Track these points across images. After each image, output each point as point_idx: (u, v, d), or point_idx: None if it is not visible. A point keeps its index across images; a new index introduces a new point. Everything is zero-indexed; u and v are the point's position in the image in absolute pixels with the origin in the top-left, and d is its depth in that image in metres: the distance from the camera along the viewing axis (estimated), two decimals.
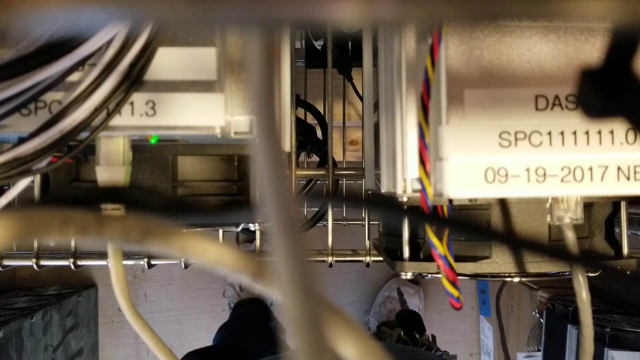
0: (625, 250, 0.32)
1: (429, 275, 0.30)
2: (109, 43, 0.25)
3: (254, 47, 0.11)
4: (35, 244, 0.41)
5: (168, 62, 0.27)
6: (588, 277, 0.27)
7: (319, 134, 0.66)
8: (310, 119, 0.68)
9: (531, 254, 0.29)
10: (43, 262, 0.41)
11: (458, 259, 0.28)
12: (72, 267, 0.41)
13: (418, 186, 0.27)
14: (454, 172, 0.26)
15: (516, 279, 0.30)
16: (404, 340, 0.91)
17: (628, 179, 0.26)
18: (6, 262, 0.41)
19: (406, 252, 0.30)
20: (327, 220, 0.44)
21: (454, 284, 0.27)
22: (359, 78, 0.71)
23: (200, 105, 0.27)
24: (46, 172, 0.32)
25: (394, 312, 1.08)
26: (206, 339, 1.01)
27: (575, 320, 0.73)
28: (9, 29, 0.25)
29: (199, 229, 0.33)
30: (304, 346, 0.11)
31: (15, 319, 0.82)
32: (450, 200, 0.27)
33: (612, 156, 0.26)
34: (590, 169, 0.26)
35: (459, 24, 0.26)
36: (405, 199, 0.29)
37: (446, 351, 0.91)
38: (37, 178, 0.33)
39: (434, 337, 0.99)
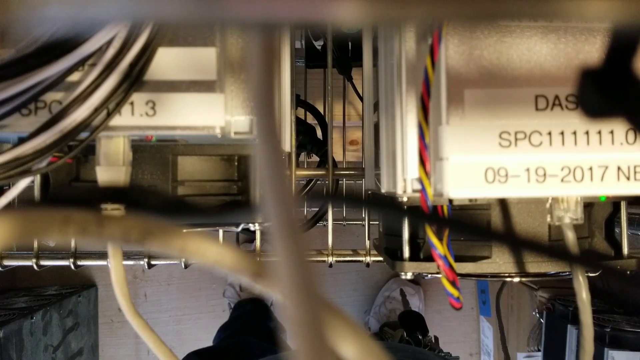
0: (625, 250, 0.32)
1: (429, 275, 0.30)
2: (109, 43, 0.25)
3: (254, 47, 0.11)
4: (35, 244, 0.41)
5: (168, 62, 0.27)
6: (588, 277, 0.27)
7: (319, 134, 0.66)
8: (310, 119, 0.68)
9: (531, 254, 0.29)
10: (43, 262, 0.41)
11: (458, 259, 0.28)
12: (72, 267, 0.41)
13: (418, 186, 0.27)
14: (454, 172, 0.26)
15: (516, 279, 0.30)
16: (406, 341, 0.91)
17: (628, 179, 0.26)
18: (6, 262, 0.41)
19: (406, 252, 0.30)
20: (327, 220, 0.44)
21: (454, 284, 0.27)
22: (359, 78, 0.71)
23: (200, 105, 0.27)
24: (46, 172, 0.32)
25: (395, 312, 1.08)
26: (206, 339, 1.01)
27: (575, 320, 0.73)
28: (9, 29, 0.25)
29: (199, 229, 0.33)
30: (304, 346, 0.11)
31: (15, 319, 0.82)
32: (450, 200, 0.27)
33: (612, 156, 0.26)
34: (590, 169, 0.26)
35: (459, 24, 0.26)
36: (405, 199, 0.29)
37: (449, 352, 0.91)
38: (37, 178, 0.33)
39: (436, 338, 0.99)
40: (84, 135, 0.26)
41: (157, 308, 1.15)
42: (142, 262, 0.41)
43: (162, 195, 0.31)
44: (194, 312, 1.16)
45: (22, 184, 0.27)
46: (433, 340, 0.96)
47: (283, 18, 0.10)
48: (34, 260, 0.41)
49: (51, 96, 0.26)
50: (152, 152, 0.31)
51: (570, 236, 0.27)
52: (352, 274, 1.16)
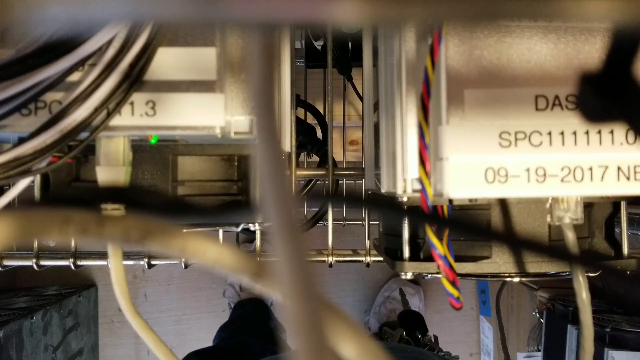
0: (625, 250, 0.32)
1: (429, 275, 0.30)
2: (109, 43, 0.25)
3: (254, 47, 0.11)
4: (35, 244, 0.41)
5: (168, 62, 0.27)
6: (588, 277, 0.27)
7: (319, 134, 0.66)
8: (310, 119, 0.68)
9: (531, 254, 0.29)
10: (43, 262, 0.41)
11: (458, 259, 0.28)
12: (72, 267, 0.41)
13: (418, 186, 0.27)
14: (454, 172, 0.26)
15: (516, 279, 0.30)
16: (406, 340, 0.91)
17: (628, 179, 0.26)
18: (6, 262, 0.41)
19: (406, 252, 0.30)
20: (327, 220, 0.44)
21: (454, 284, 0.27)
22: (359, 78, 0.71)
23: (200, 105, 0.27)
24: (46, 172, 0.32)
25: (395, 312, 1.08)
26: (206, 339, 1.01)
27: (575, 320, 0.73)
28: (9, 29, 0.25)
29: (199, 229, 0.33)
30: (304, 346, 0.11)
31: (15, 319, 0.82)
32: (450, 200, 0.27)
33: (612, 156, 0.26)
34: (590, 169, 0.26)
35: (459, 24, 0.26)
36: (405, 199, 0.29)
37: (448, 352, 0.91)
38: (37, 178, 0.33)
39: (436, 337, 0.99)
40: (84, 135, 0.26)
41: (157, 308, 1.15)
42: (142, 262, 0.41)
43: (162, 195, 0.31)
44: (194, 312, 1.16)
45: (22, 184, 0.27)
46: (432, 340, 0.96)
47: (283, 18, 0.10)
48: (34, 260, 0.41)
49: (51, 96, 0.26)
50: (152, 152, 0.31)
51: (570, 236, 0.27)
52: (352, 274, 1.16)
